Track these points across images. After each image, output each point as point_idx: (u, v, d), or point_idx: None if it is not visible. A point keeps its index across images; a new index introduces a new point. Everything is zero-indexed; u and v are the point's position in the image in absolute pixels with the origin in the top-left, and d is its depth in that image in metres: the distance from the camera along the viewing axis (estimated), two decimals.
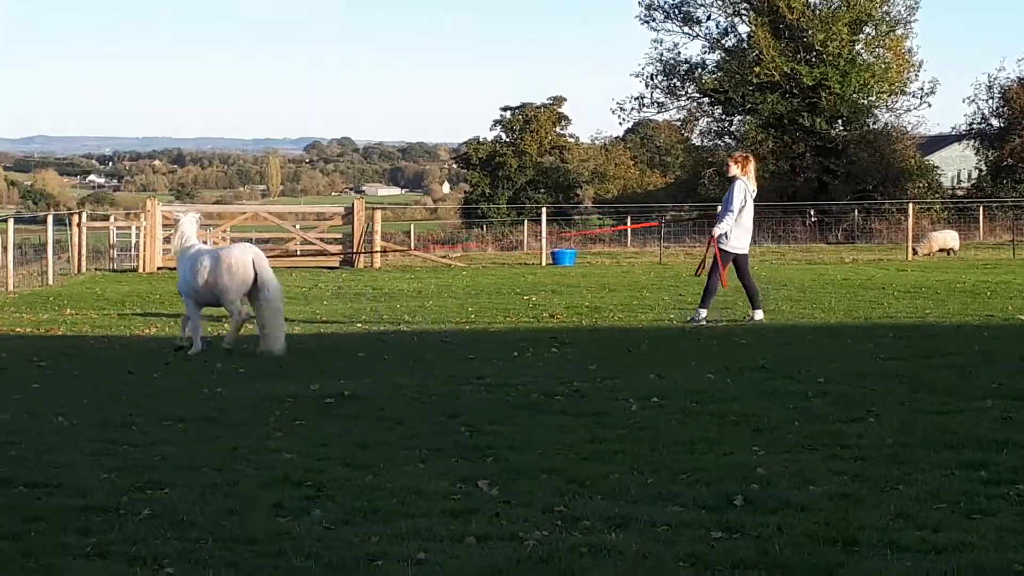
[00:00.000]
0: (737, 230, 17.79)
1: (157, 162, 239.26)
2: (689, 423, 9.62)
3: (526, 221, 53.79)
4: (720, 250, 17.92)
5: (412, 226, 59.29)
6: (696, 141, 69.16)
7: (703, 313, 17.98)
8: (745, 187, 17.73)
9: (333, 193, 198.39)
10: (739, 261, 17.98)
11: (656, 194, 72.12)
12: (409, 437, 9.20)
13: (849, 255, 40.45)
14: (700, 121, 67.46)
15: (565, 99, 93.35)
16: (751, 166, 17.94)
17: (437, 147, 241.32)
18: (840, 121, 62.63)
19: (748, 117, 63.48)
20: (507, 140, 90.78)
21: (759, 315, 17.95)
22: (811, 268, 33.54)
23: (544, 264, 37.46)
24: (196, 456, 8.54)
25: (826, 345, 14.94)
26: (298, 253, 38.69)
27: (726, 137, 67.44)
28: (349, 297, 24.72)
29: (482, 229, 65.15)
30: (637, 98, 66.74)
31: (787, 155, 61.79)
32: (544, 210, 42.11)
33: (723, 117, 66.70)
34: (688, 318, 18.25)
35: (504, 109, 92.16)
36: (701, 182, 63.68)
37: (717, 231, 17.89)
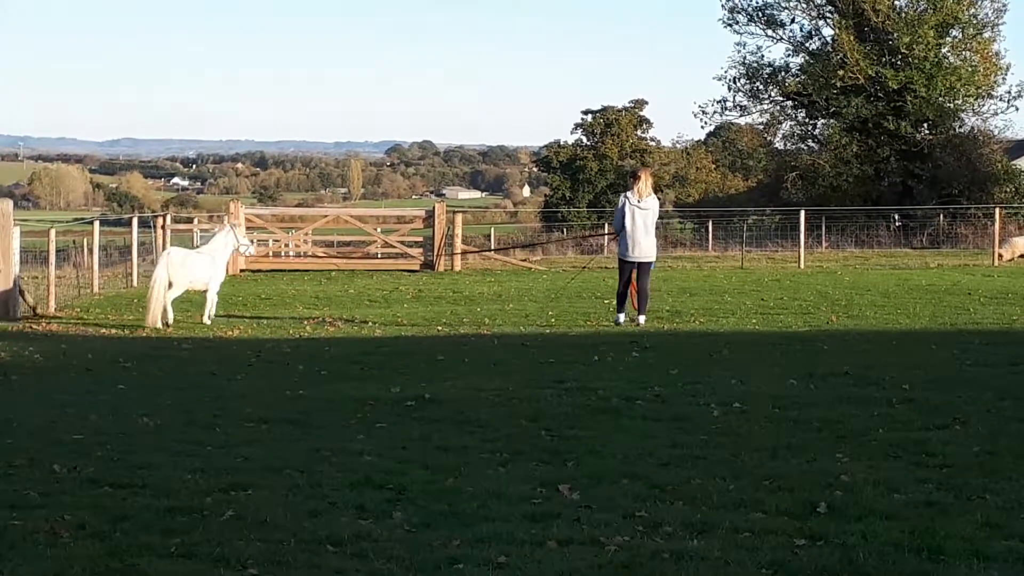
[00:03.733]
0: (627, 242, 18.99)
1: (240, 165, 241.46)
2: (771, 429, 9.57)
3: (606, 225, 53.66)
4: (619, 260, 19.34)
5: (492, 229, 59.40)
6: (779, 145, 68.66)
7: (628, 317, 18.94)
8: (625, 202, 19.12)
9: (414, 196, 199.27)
10: (639, 268, 19.06)
11: (738, 198, 71.90)
12: (490, 441, 9.22)
13: (934, 260, 40.01)
14: (783, 124, 66.97)
15: (647, 102, 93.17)
16: (639, 183, 19.20)
17: (517, 150, 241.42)
18: (925, 125, 61.94)
19: (832, 121, 62.99)
20: (588, 143, 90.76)
21: (642, 319, 18.81)
22: (895, 273, 33.21)
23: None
24: (279, 457, 8.61)
25: (911, 351, 14.80)
26: (379, 256, 38.88)
27: (809, 141, 66.94)
28: (430, 300, 24.82)
29: (562, 232, 65.16)
30: (719, 101, 66.39)
31: (871, 159, 61.22)
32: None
33: (806, 120, 66.20)
34: (627, 320, 18.90)
35: (585, 112, 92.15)
36: (784, 186, 63.25)
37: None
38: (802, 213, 39.87)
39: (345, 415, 10.41)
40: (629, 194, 19.24)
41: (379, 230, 40.68)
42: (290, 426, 9.96)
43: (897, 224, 55.02)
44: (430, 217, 37.68)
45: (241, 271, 35.45)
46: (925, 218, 54.94)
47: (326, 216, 42.27)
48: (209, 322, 20.21)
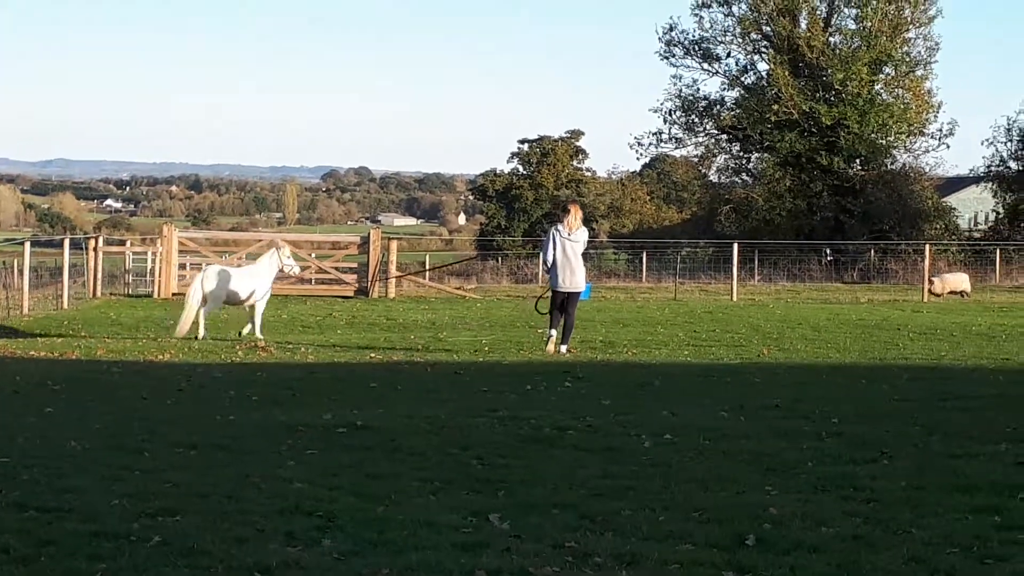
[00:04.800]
0: (557, 273, 19.43)
1: (174, 187, 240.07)
2: (702, 461, 9.60)
3: (541, 254, 53.79)
4: (551, 290, 19.77)
5: (427, 257, 59.35)
6: (713, 178, 69.23)
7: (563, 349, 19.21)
8: (556, 234, 19.51)
9: (349, 222, 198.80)
10: (568, 298, 19.47)
11: (672, 229, 72.27)
12: (421, 469, 9.20)
13: (865, 295, 40.41)
14: (718, 158, 67.55)
15: (583, 133, 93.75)
16: (568, 216, 19.61)
17: (454, 178, 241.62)
18: (858, 161, 62.64)
19: (766, 155, 63.60)
20: (524, 172, 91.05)
21: (564, 348, 19.16)
22: (826, 307, 33.50)
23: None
24: (207, 483, 8.54)
25: (840, 385, 14.92)
26: (313, 282, 38.76)
27: (743, 174, 67.57)
28: (363, 327, 24.74)
29: (497, 261, 65.23)
30: (655, 133, 66.93)
31: (804, 193, 61.81)
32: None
33: (741, 154, 66.78)
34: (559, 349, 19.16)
35: (522, 141, 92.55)
36: (718, 219, 63.77)
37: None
38: (735, 246, 40.20)
39: (276, 441, 10.35)
40: (560, 226, 19.62)
41: (313, 255, 40.55)
42: (220, 451, 9.88)
43: (829, 259, 55.55)
44: (365, 243, 37.65)
45: (174, 294, 35.17)
46: (856, 253, 55.48)
47: (260, 240, 42.07)
48: (261, 336, 21.19)
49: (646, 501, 8.12)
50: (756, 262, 51.87)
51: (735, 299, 37.28)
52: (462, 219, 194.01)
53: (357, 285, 36.97)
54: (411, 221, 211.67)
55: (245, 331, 21.67)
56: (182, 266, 38.80)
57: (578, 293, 19.64)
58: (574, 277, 19.40)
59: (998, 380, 15.40)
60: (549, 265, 19.55)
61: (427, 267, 50.86)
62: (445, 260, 71.49)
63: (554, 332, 19.28)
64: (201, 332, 21.34)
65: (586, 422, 11.47)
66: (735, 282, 39.24)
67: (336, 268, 38.54)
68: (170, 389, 14.17)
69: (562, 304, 19.45)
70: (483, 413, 12.05)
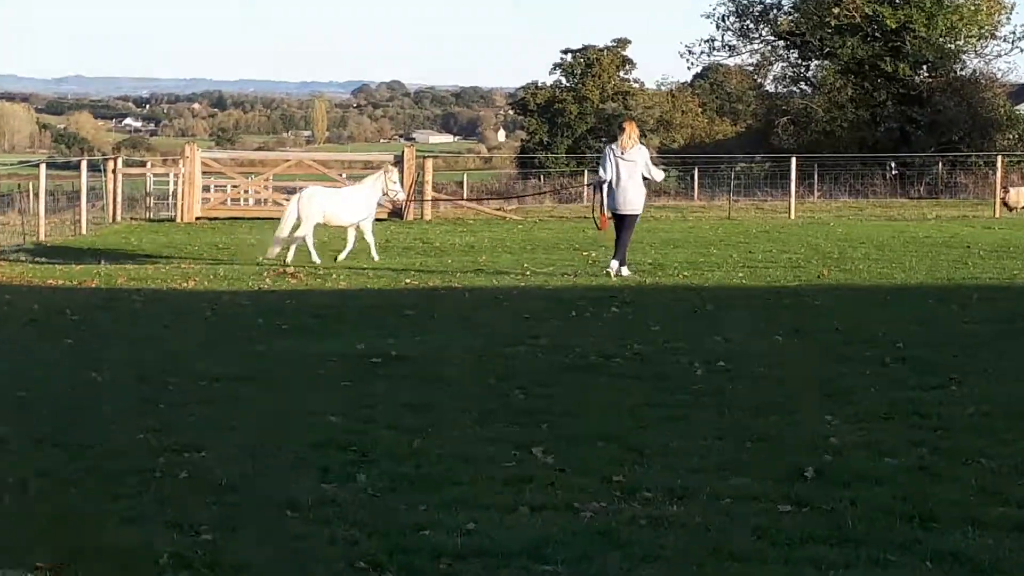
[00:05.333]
0: (613, 194, 19.42)
1: (197, 105, 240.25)
2: (757, 389, 9.61)
3: (586, 172, 53.65)
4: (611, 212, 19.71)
5: (465, 176, 59.31)
6: (770, 87, 68.62)
7: (616, 266, 19.20)
8: (609, 153, 19.54)
9: (382, 140, 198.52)
10: (623, 221, 19.44)
11: (726, 144, 71.78)
12: (459, 400, 9.24)
13: (932, 211, 40.14)
14: (774, 66, 66.92)
15: (630, 41, 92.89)
16: (623, 135, 19.56)
17: (492, 92, 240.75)
18: (925, 67, 61.92)
19: (826, 62, 62.95)
20: (567, 85, 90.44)
21: (615, 266, 19.18)
22: (891, 225, 33.31)
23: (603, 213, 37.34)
24: (235, 417, 8.61)
25: (906, 307, 14.86)
26: None
27: (802, 83, 66.90)
28: (398, 251, 24.79)
29: (539, 180, 65.13)
30: (707, 41, 66.36)
31: (867, 103, 61.20)
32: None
33: (799, 62, 66.15)
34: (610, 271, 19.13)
35: (564, 52, 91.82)
36: (774, 132, 63.25)
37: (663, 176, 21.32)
38: (793, 160, 39.95)
39: (307, 372, 10.41)
40: (614, 146, 19.61)
41: (344, 176, 40.57)
42: (248, 383, 9.95)
43: (893, 172, 55.15)
44: (399, 163, 37.57)
45: (197, 218, 35.33)
46: (923, 166, 55.03)
47: (288, 161, 42.22)
48: (377, 258, 21.85)
49: (697, 432, 8.14)
50: (815, 177, 51.56)
51: (793, 217, 37.11)
52: (502, 135, 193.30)
53: (391, 207, 36.99)
54: (447, 138, 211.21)
55: (341, 257, 21.89)
56: (206, 188, 38.91)
57: (634, 216, 19.66)
58: (627, 197, 19.40)
59: None
60: (604, 179, 19.50)
61: (464, 190, 50.80)
62: (484, 179, 71.42)
63: (623, 272, 19.21)
64: (290, 257, 21.75)
65: (634, 350, 11.48)
66: (793, 199, 39.05)
67: None
68: (195, 318, 14.26)
69: (618, 226, 19.51)
70: (524, 341, 12.07)
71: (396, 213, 36.16)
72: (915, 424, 8.34)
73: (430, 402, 9.15)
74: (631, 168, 19.36)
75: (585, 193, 44.46)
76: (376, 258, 21.87)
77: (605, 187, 19.55)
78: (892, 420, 8.48)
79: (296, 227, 22.19)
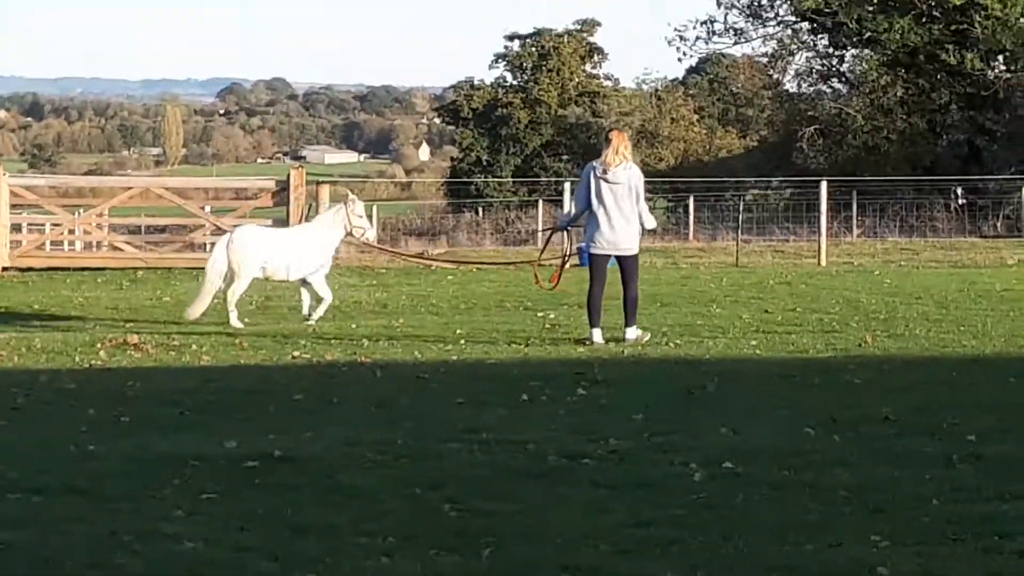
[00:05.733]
0: (593, 228, 19.91)
1: (3, 113, 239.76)
2: (778, 500, 9.63)
3: (540, 202, 53.83)
4: (588, 255, 20.40)
5: (375, 209, 59.38)
6: (791, 86, 69.14)
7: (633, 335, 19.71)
8: (591, 172, 19.96)
9: (260, 160, 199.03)
10: (621, 265, 20.08)
11: (732, 163, 72.15)
12: (369, 518, 9.22)
13: (1014, 254, 40.44)
14: (797, 57, 67.38)
15: (599, 24, 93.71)
16: (609, 147, 19.93)
17: (411, 93, 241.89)
18: (1001, 58, 62.43)
19: (866, 51, 63.36)
20: (514, 84, 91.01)
21: (631, 334, 19.65)
22: (957, 273, 33.54)
23: (568, 265, 37.42)
24: (57, 545, 8.55)
25: (979, 387, 14.95)
26: (208, 247, 38.75)
27: (834, 80, 67.38)
28: (282, 312, 24.74)
29: (477, 213, 65.25)
30: (705, 22, 66.75)
31: (923, 108, 61.66)
32: (568, 187, 42.08)
33: (830, 51, 66.63)
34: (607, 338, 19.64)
35: (510, 38, 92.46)
36: (798, 146, 63.55)
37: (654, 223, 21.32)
38: (823, 186, 40.17)
39: (156, 482, 10.36)
40: (596, 164, 19.93)
41: (208, 209, 40.49)
42: (75, 497, 9.89)
43: (961, 202, 55.56)
44: (283, 191, 37.56)
45: (4, 269, 35.14)
46: (1001, 193, 55.41)
47: (130, 189, 42.01)
48: (315, 322, 22.38)
49: (697, 560, 8.15)
50: (855, 208, 51.91)
51: (824, 263, 37.31)
52: (425, 153, 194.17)
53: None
54: (350, 156, 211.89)
55: (316, 315, 22.57)
56: (15, 227, 38.73)
57: (631, 256, 20.08)
58: (615, 234, 19.74)
59: None
60: (567, 213, 19.76)
61: (374, 230, 50.83)
62: (401, 212, 71.49)
63: (598, 333, 19.58)
64: (233, 320, 22.10)
65: (609, 446, 11.49)
66: (823, 238, 39.25)
67: None
68: (1, 407, 14.17)
69: (598, 275, 19.89)
70: (458, 436, 12.06)
71: None
72: (992, 547, 8.39)
73: (329, 522, 9.12)
74: (619, 193, 19.67)
75: (541, 233, 44.60)
76: (315, 317, 22.47)
77: (585, 219, 19.91)
78: (962, 542, 8.52)
79: (228, 279, 22.58)
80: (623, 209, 19.70)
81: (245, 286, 22.54)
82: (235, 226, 25.92)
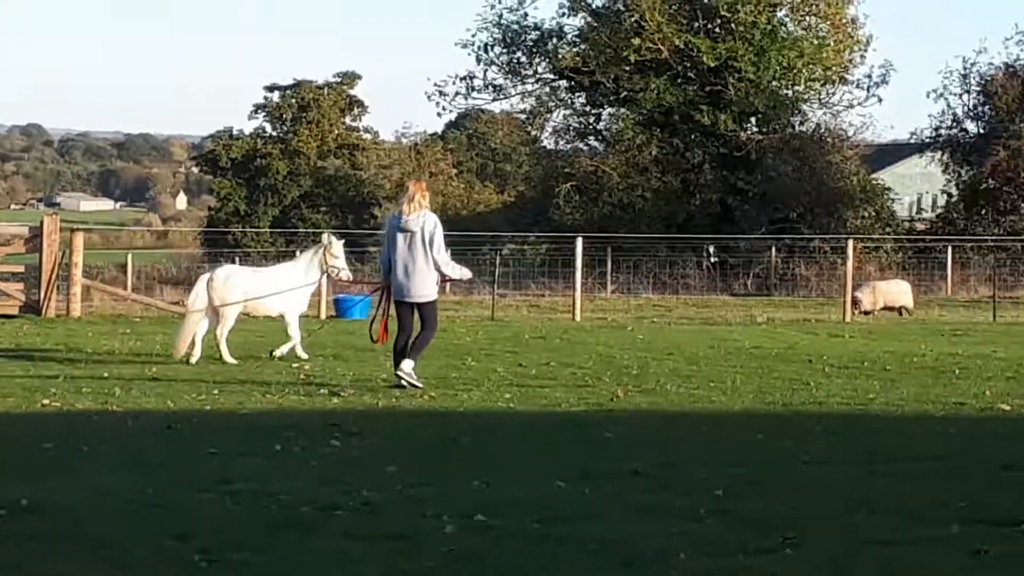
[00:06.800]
0: (394, 275, 20.63)
1: None
2: (530, 553, 9.65)
3: (298, 253, 53.55)
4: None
5: (130, 257, 58.75)
6: (548, 143, 69.57)
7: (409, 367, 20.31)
8: (390, 222, 21.05)
9: (13, 206, 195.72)
10: (418, 312, 20.76)
11: (490, 217, 72.41)
12: (118, 568, 9.10)
13: (763, 312, 41.01)
14: (554, 114, 67.80)
15: (359, 76, 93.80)
16: (405, 195, 20.97)
17: (169, 142, 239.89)
18: (754, 120, 63.34)
19: (623, 110, 63.96)
20: (273, 134, 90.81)
21: (408, 368, 20.24)
22: (708, 330, 33.94)
23: (324, 315, 37.33)
24: None
25: (728, 442, 15.11)
26: None
27: (591, 138, 67.89)
28: (34, 361, 24.38)
29: (234, 263, 64.85)
30: (464, 78, 66.98)
31: (677, 167, 62.37)
32: (327, 238, 41.98)
33: (587, 109, 67.14)
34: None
35: (270, 89, 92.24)
36: (554, 202, 63.91)
37: (459, 274, 21.36)
38: (579, 241, 40.42)
39: None
40: (395, 213, 20.96)
41: None
42: None
43: (712, 260, 56.30)
44: (36, 238, 37.06)
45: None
46: (752, 252, 56.14)
47: None
48: (279, 355, 24.04)
49: None
50: (609, 264, 52.37)
51: (579, 318, 37.56)
52: (182, 202, 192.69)
53: (24, 299, 36.39)
54: (106, 204, 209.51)
55: (281, 351, 24.00)
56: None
57: (426, 304, 20.54)
58: (410, 282, 20.35)
59: (947, 433, 15.75)
60: (384, 266, 20.74)
61: (129, 279, 50.32)
62: (157, 260, 70.81)
63: (404, 367, 20.07)
64: (196, 355, 23.80)
65: (362, 498, 11.45)
66: (578, 294, 39.48)
67: None
68: None
69: (402, 323, 20.56)
70: (210, 486, 11.96)
71: (31, 307, 35.60)
72: None
73: (76, 574, 8.99)
74: (413, 241, 20.26)
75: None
76: (283, 353, 24.06)
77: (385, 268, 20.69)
78: None
79: (210, 315, 24.06)
80: (416, 257, 20.23)
81: (231, 323, 23.99)
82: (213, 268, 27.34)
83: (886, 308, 40.47)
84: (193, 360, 23.54)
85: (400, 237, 20.31)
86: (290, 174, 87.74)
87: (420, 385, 19.87)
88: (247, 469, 12.95)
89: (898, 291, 41.49)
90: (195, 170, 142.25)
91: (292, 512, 10.96)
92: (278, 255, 65.03)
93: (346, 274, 26.31)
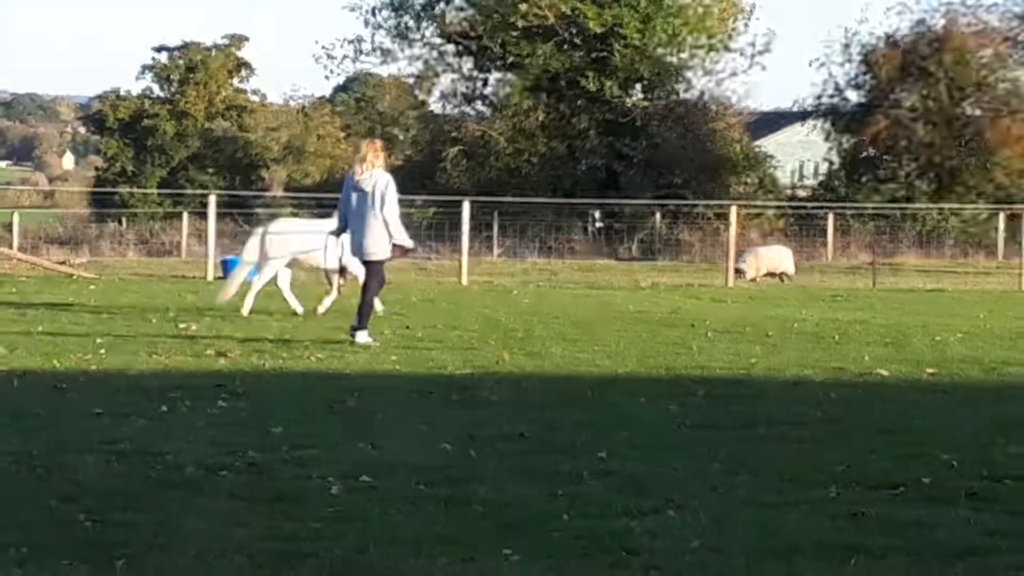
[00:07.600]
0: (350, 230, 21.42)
1: None
2: (415, 514, 9.64)
3: (186, 214, 53.37)
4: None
5: (16, 216, 58.18)
6: (436, 107, 69.53)
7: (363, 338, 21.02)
8: (348, 180, 21.49)
9: None
10: (365, 267, 21.69)
11: None
12: (2, 529, 9.01)
13: (647, 277, 41.16)
14: (442, 78, 67.73)
15: (247, 39, 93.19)
16: (358, 155, 21.79)
17: (56, 102, 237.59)
18: (639, 86, 63.50)
19: (509, 75, 63.99)
20: (161, 96, 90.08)
21: (360, 337, 21.02)
22: (593, 294, 34.03)
23: (212, 277, 37.14)
24: None
25: (611, 405, 15.16)
26: None
27: (478, 103, 67.86)
28: None
29: (121, 224, 64.37)
30: (352, 41, 66.80)
31: (563, 132, 62.45)
32: (213, 199, 41.84)
33: (474, 74, 67.08)
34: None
35: (158, 49, 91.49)
36: (442, 166, 63.86)
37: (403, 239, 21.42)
38: (466, 205, 40.49)
39: None
40: (351, 172, 21.72)
41: None
42: None
43: (598, 225, 56.42)
44: None
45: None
46: (636, 218, 56.35)
47: None
48: (381, 308, 23.98)
49: (332, 572, 8.11)
50: (496, 229, 52.37)
51: (465, 281, 37.58)
52: (69, 162, 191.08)
53: None
54: None
55: (325, 306, 25.33)
56: None
57: (373, 262, 21.11)
58: (360, 238, 20.91)
59: (828, 398, 15.87)
60: (340, 223, 21.47)
61: (15, 239, 49.92)
62: (44, 220, 70.20)
63: (359, 339, 20.79)
64: (247, 306, 25.00)
65: (247, 459, 11.41)
66: (465, 257, 39.52)
67: None
68: None
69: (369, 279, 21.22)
70: (95, 447, 11.87)
71: None
72: (620, 563, 8.47)
73: None
74: (364, 199, 20.81)
75: (185, 244, 44.16)
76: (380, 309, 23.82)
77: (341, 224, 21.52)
78: (590, 557, 8.59)
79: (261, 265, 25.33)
80: (365, 215, 20.72)
81: (269, 276, 25.40)
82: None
83: (768, 274, 40.77)
84: (246, 310, 24.70)
85: (354, 196, 20.87)
86: (177, 135, 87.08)
87: (376, 343, 20.73)
88: (133, 430, 12.87)
89: (780, 257, 41.81)
90: (82, 130, 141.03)
91: (178, 472, 10.91)
92: (165, 215, 64.68)
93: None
